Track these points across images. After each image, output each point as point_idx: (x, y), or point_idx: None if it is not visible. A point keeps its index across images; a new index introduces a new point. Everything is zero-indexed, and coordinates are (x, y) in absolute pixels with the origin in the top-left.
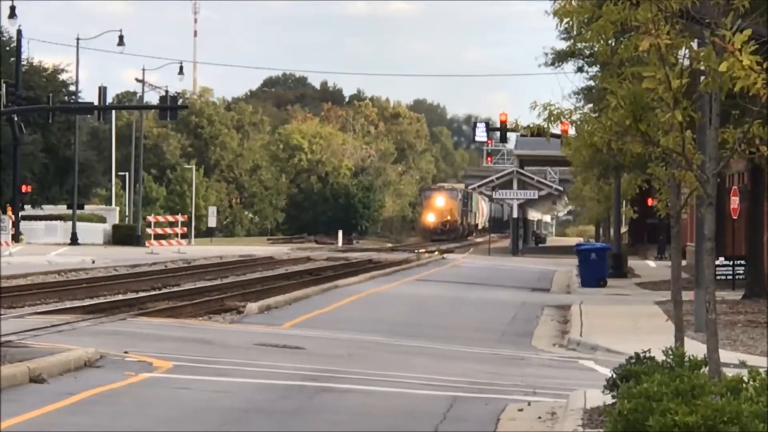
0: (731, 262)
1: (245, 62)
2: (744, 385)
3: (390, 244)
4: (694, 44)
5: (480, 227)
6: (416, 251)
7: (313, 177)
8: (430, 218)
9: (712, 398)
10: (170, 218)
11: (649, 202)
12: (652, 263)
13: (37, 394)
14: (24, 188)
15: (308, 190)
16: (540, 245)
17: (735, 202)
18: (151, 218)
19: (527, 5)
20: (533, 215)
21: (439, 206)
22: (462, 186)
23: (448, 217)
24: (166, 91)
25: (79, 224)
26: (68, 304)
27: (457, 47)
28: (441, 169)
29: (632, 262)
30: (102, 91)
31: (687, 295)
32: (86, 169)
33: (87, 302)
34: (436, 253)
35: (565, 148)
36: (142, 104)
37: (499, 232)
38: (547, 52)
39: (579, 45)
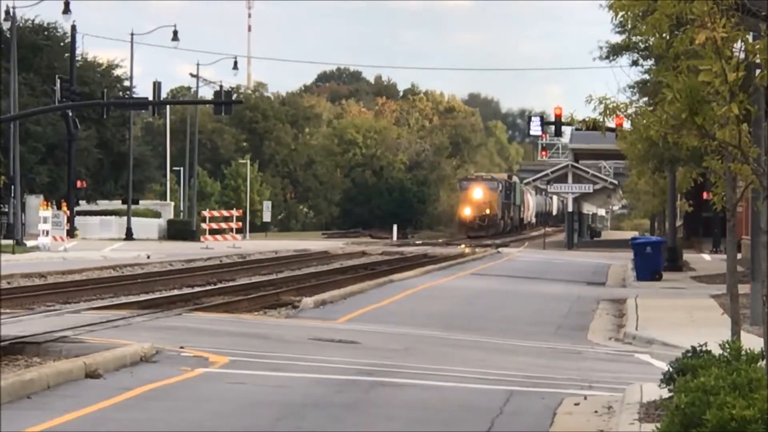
0: None
1: (299, 57)
2: None
3: (444, 239)
4: (750, 37)
5: (526, 222)
6: (470, 245)
7: (368, 171)
8: (466, 212)
9: None
10: (225, 213)
11: (704, 195)
12: (707, 257)
13: (92, 390)
14: (79, 183)
15: (363, 184)
16: (595, 239)
17: None
18: (206, 213)
19: None
20: (588, 209)
21: (476, 199)
22: (504, 176)
23: (487, 211)
24: (221, 86)
25: (133, 219)
26: (124, 299)
27: (511, 41)
28: (495, 162)
29: (687, 256)
30: (156, 86)
31: (743, 289)
32: (141, 164)
33: (142, 297)
34: (491, 247)
35: (620, 141)
36: (196, 99)
37: (552, 227)
38: (601, 45)
39: (634, 38)
